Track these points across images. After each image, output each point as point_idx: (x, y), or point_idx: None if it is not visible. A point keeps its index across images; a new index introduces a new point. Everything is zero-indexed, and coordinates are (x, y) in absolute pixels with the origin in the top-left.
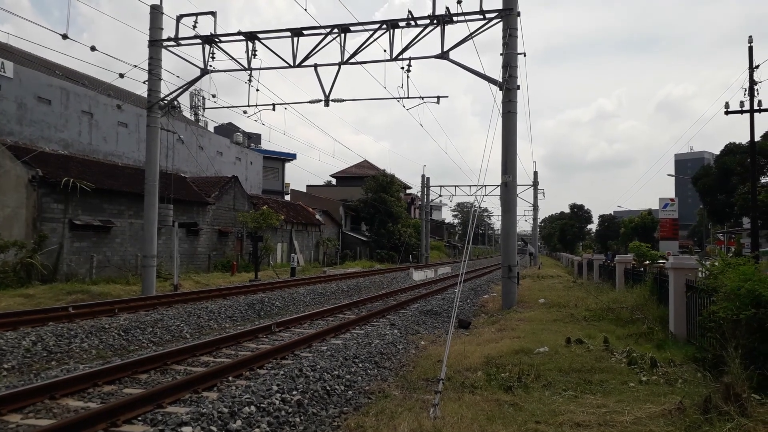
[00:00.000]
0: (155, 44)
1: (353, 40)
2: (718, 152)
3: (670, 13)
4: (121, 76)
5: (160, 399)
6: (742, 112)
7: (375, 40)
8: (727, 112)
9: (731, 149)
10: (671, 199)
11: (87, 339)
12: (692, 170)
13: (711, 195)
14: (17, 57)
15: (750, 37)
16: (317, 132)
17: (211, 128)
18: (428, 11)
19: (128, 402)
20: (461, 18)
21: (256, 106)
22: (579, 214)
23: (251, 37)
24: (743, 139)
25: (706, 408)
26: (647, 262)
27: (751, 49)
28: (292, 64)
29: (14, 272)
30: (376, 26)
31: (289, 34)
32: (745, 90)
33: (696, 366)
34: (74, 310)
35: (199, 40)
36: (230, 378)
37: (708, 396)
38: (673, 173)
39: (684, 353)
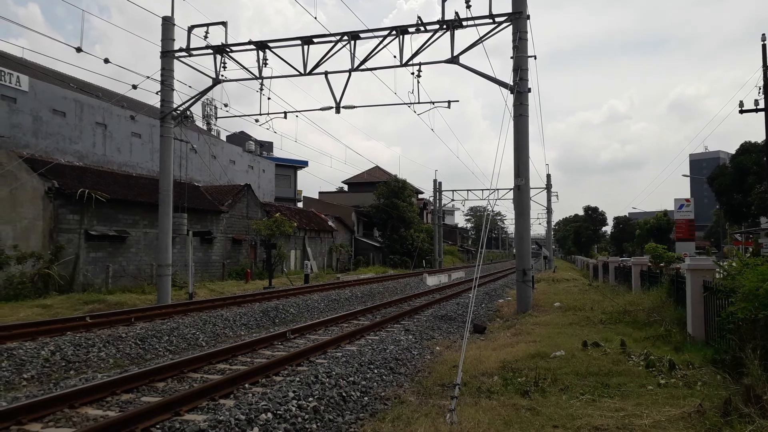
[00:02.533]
0: (167, 55)
1: (363, 47)
2: (733, 152)
3: (678, 13)
4: (134, 87)
5: (178, 407)
6: (756, 110)
7: (385, 46)
8: (741, 111)
9: (747, 148)
10: (687, 200)
11: (104, 348)
12: (707, 170)
13: (727, 195)
14: (32, 71)
15: (763, 35)
16: (328, 139)
17: (223, 137)
18: (437, 16)
19: (146, 410)
20: (471, 23)
21: (268, 114)
22: (593, 216)
23: (262, 46)
24: (759, 137)
25: (726, 410)
26: (663, 263)
27: (764, 47)
28: (302, 72)
29: (32, 283)
30: (385, 32)
31: (299, 42)
32: (760, 88)
33: (715, 368)
34: (91, 320)
35: (210, 51)
36: (246, 385)
37: (728, 398)
38: (688, 173)
39: (703, 355)
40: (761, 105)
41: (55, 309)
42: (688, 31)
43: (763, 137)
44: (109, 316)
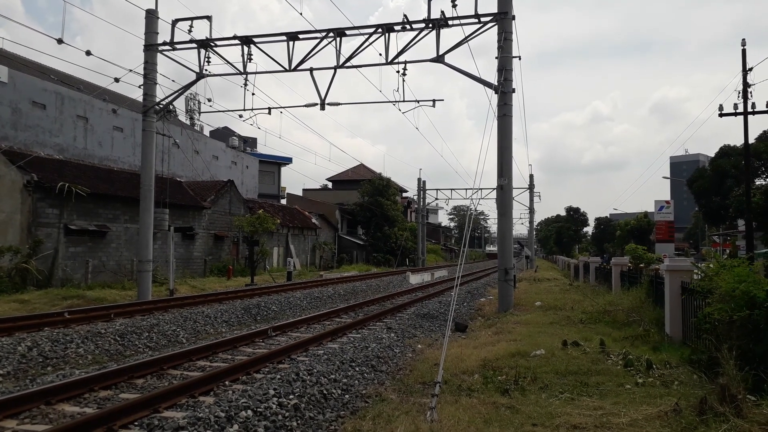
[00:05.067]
0: (151, 48)
1: (349, 44)
2: (712, 155)
3: (663, 17)
4: (117, 80)
5: (157, 404)
6: (735, 114)
7: (371, 44)
8: (721, 115)
9: (726, 152)
10: (667, 202)
11: (83, 344)
12: (687, 173)
13: (706, 197)
14: (12, 62)
15: (743, 40)
16: (313, 136)
17: (206, 132)
18: (423, 15)
19: (124, 407)
20: (456, 22)
21: (252, 110)
22: (575, 216)
23: (247, 41)
24: (737, 141)
25: (702, 409)
26: (643, 264)
27: (744, 52)
28: (287, 68)
29: (9, 278)
30: (371, 30)
31: (284, 38)
32: (739, 92)
33: (692, 368)
34: (70, 315)
35: (194, 45)
36: (227, 382)
37: (704, 397)
38: (669, 176)
39: (680, 355)
40: (740, 109)
41: (33, 304)
42: (672, 35)
43: (742, 140)
44: (88, 311)
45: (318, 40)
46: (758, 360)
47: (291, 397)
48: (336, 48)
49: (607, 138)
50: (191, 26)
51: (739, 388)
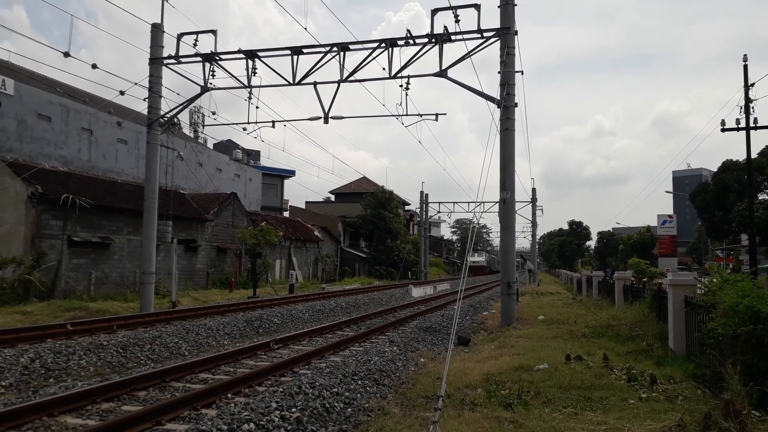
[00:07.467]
0: (156, 62)
1: (352, 58)
2: (715, 169)
3: (664, 31)
4: (122, 93)
5: (159, 416)
6: (738, 129)
7: (374, 58)
8: (723, 130)
9: (728, 166)
10: (669, 216)
11: (85, 356)
12: (690, 187)
13: (709, 212)
14: (18, 74)
15: (745, 55)
16: (316, 149)
17: (210, 145)
18: (426, 30)
19: (127, 419)
20: (459, 37)
21: (256, 123)
22: (578, 230)
23: (251, 55)
24: (740, 156)
25: (707, 425)
26: (646, 278)
27: (746, 67)
28: (291, 82)
29: (12, 289)
30: (375, 45)
31: (288, 52)
32: (741, 107)
33: (695, 382)
34: (72, 327)
35: (199, 58)
36: (229, 395)
37: (708, 413)
38: (671, 190)
39: (684, 370)
40: (743, 124)
41: (36, 316)
42: (673, 49)
43: (745, 155)
44: (91, 323)
45: (322, 55)
46: (762, 375)
47: (293, 410)
48: (340, 62)
49: (609, 152)
50: (196, 40)
51: (743, 403)
